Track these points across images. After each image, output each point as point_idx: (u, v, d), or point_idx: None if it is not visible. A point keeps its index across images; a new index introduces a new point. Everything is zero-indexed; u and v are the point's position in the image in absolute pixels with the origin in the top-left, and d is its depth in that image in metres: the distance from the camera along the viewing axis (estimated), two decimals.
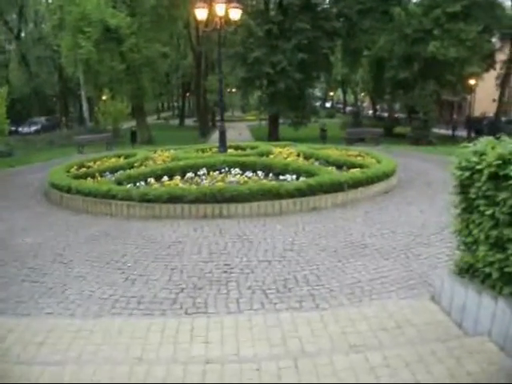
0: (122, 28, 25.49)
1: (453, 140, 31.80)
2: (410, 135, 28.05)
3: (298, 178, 10.59)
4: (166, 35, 33.39)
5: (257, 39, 28.44)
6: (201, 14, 13.39)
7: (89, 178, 11.73)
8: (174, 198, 8.93)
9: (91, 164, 14.31)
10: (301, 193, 9.19)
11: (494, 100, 42.00)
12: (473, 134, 36.00)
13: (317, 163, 12.67)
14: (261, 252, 6.95)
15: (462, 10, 26.41)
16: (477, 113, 40.06)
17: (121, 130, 33.06)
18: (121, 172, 12.19)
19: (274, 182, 9.69)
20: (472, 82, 32.61)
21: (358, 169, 11.41)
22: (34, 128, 39.20)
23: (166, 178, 11.11)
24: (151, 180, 10.92)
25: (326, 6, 31.43)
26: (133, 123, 32.42)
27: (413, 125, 28.87)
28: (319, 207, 9.43)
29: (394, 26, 28.53)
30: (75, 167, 13.55)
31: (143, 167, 12.80)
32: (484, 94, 37.97)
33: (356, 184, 10.10)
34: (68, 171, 12.91)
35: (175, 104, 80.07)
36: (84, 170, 13.23)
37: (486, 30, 27.32)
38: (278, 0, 30.84)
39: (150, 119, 55.71)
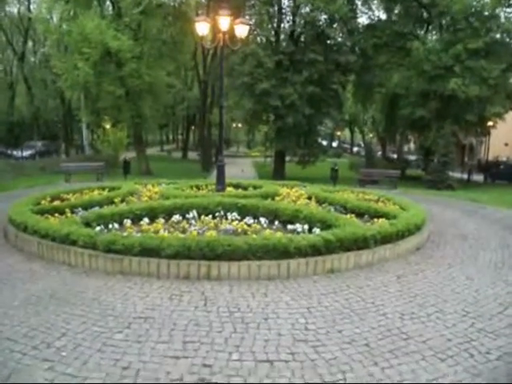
0: (123, 51, 23.93)
1: (469, 185, 29.94)
2: (427, 178, 26.01)
3: (310, 229, 8.43)
4: (171, 63, 32.01)
5: (266, 70, 26.79)
6: (201, 28, 11.56)
7: (57, 214, 9.62)
8: (148, 251, 6.78)
9: (68, 196, 12.26)
10: (315, 250, 7.05)
11: (506, 144, 40.28)
12: (489, 179, 34.20)
13: (332, 209, 10.57)
14: (259, 343, 4.78)
15: (484, 47, 24.91)
16: (489, 157, 38.37)
17: (118, 159, 31.24)
18: (95, 209, 10.08)
19: (280, 235, 7.47)
20: (490, 123, 30.95)
21: (383, 219, 9.32)
22: (28, 152, 37.29)
23: (146, 220, 8.99)
24: (128, 222, 8.78)
25: (339, 40, 29.87)
26: (134, 154, 30.69)
27: (430, 167, 26.89)
28: (338, 269, 7.23)
29: (411, 62, 26.98)
30: (48, 199, 11.45)
31: (123, 204, 10.74)
32: (495, 137, 36.29)
33: (384, 239, 7.96)
34: (38, 203, 10.80)
35: (180, 136, 78.64)
36: (57, 202, 11.17)
37: (509, 69, 25.69)
38: (290, 31, 29.41)
39: (153, 150, 54.32)
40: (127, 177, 22.42)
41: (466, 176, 33.79)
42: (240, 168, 33.74)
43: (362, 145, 71.82)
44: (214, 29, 13.68)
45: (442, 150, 25.50)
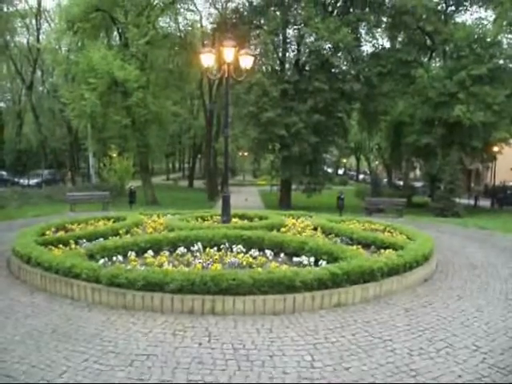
0: (130, 81, 24.17)
1: (476, 211, 29.69)
2: (434, 205, 25.81)
3: (316, 261, 8.34)
4: (177, 93, 32.35)
5: (271, 99, 26.86)
6: (206, 60, 11.69)
7: (61, 246, 9.56)
8: (151, 285, 6.68)
9: (73, 226, 12.24)
10: (322, 284, 6.94)
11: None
12: (496, 205, 33.92)
13: (338, 240, 10.47)
14: (264, 381, 4.65)
15: (487, 73, 25.00)
16: (496, 182, 38.00)
17: (124, 188, 31.24)
18: (100, 240, 10.02)
19: (286, 268, 7.39)
20: (496, 148, 30.83)
21: (390, 250, 9.21)
22: (35, 180, 37.49)
23: (151, 252, 8.90)
24: (132, 254, 8.70)
25: (344, 68, 30.00)
26: (140, 182, 30.74)
27: (437, 194, 26.75)
28: (345, 303, 7.11)
29: (416, 89, 27.10)
30: (53, 229, 11.46)
31: (128, 235, 10.68)
32: (501, 162, 36.06)
33: (391, 271, 7.84)
34: (43, 234, 10.79)
35: (186, 165, 78.92)
36: (62, 233, 11.13)
37: None
38: (294, 60, 29.66)
39: (159, 179, 54.41)
40: (133, 206, 22.37)
41: (472, 202, 33.54)
42: (245, 197, 33.66)
43: (368, 172, 71.79)
44: (220, 59, 13.81)
45: (449, 177, 25.36)
